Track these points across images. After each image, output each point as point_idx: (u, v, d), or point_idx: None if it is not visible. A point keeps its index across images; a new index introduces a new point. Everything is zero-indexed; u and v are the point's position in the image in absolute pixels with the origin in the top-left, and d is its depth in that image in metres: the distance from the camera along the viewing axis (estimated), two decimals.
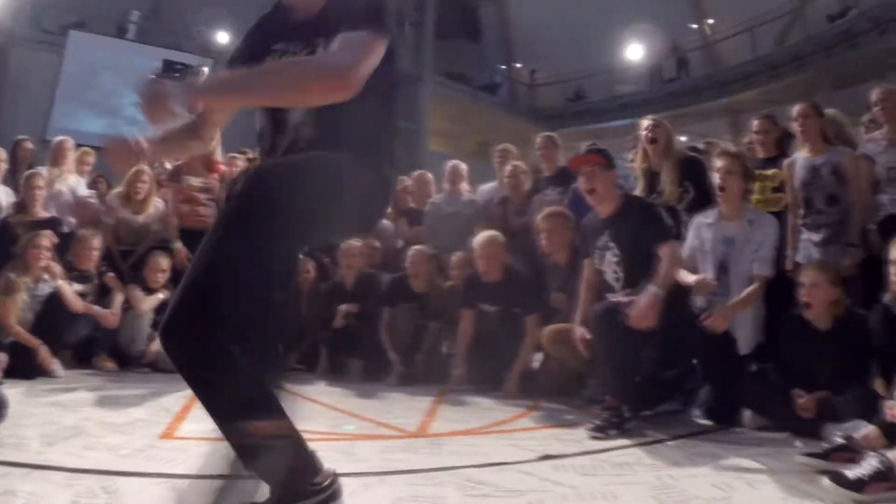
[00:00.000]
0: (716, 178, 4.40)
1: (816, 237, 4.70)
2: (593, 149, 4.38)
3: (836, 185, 4.69)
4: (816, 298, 3.85)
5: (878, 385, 3.62)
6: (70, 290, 5.49)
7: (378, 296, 5.84)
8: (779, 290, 4.28)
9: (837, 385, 3.61)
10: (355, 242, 6.03)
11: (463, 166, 6.91)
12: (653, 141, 5.03)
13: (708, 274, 4.31)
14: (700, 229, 4.46)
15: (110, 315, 5.59)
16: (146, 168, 6.45)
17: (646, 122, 5.14)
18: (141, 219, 6.34)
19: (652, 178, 5.07)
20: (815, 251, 4.63)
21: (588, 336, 4.15)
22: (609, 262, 4.25)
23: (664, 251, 3.99)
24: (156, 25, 19.47)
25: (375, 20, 1.94)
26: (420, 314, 5.75)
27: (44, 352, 5.07)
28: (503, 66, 25.77)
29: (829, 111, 5.36)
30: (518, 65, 25.41)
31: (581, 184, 4.33)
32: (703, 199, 4.74)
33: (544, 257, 5.37)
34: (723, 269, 4.32)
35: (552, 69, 22.92)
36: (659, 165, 5.01)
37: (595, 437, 3.60)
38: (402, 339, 5.68)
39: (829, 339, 3.80)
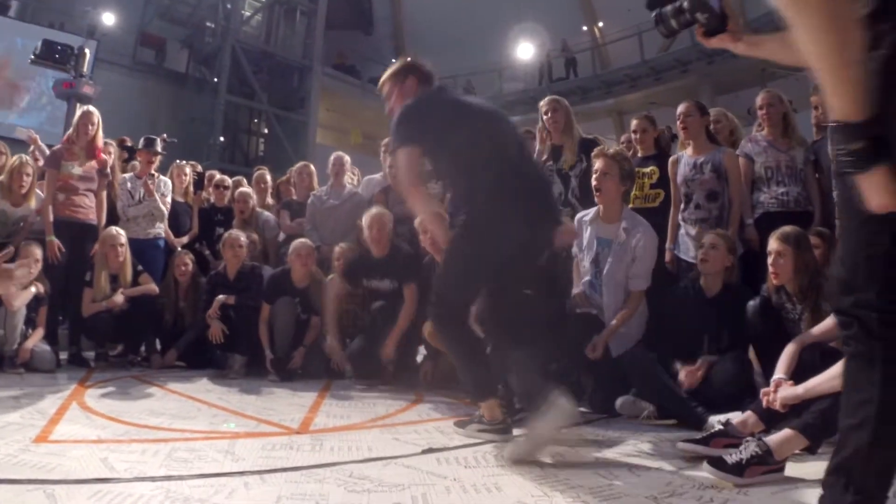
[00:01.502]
0: (593, 180, 4.42)
1: (694, 231, 4.85)
2: None
3: (716, 182, 4.86)
4: (714, 260, 4.06)
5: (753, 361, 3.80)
6: None
7: (258, 291, 5.75)
8: (659, 283, 4.46)
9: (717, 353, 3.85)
10: (240, 234, 5.90)
11: (346, 158, 6.85)
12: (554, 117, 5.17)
13: (586, 268, 4.48)
14: (581, 226, 4.55)
15: None
16: (31, 160, 6.13)
17: (545, 102, 5.29)
18: (19, 211, 6.00)
19: (553, 151, 5.22)
20: (693, 245, 4.75)
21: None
22: None
23: None
24: (39, 4, 18.65)
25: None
26: (302, 309, 5.70)
27: None
28: (394, 60, 25.83)
29: (723, 111, 5.62)
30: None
31: None
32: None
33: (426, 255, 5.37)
34: (598, 266, 4.43)
35: (442, 65, 23.04)
36: (559, 140, 5.16)
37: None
38: (283, 334, 5.60)
39: (714, 305, 4.01)
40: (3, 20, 17.90)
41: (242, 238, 5.91)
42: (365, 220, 5.37)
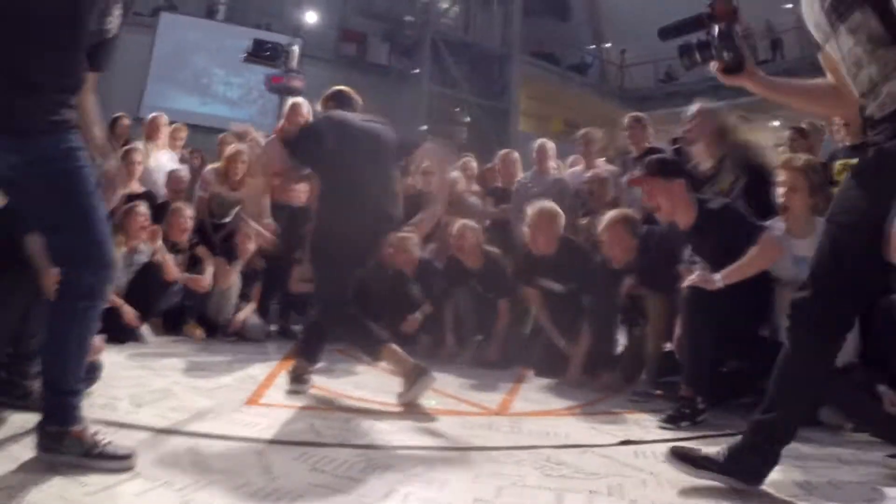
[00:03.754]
0: (778, 195, 3.97)
1: None
2: (648, 164, 4.04)
3: None
4: None
5: None
6: (170, 258, 5.70)
7: (437, 283, 5.76)
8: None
9: None
10: (411, 234, 5.51)
11: (550, 145, 6.85)
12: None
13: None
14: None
15: (203, 279, 5.83)
16: (245, 149, 6.61)
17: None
18: (235, 195, 6.49)
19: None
20: None
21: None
22: None
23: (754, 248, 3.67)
24: (245, 6, 19.93)
25: None
26: (483, 288, 5.54)
27: (129, 312, 5.25)
28: (592, 46, 25.45)
29: None
30: (607, 45, 25.02)
31: (644, 202, 4.10)
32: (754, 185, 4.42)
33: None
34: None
35: (643, 49, 22.34)
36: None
37: (664, 428, 3.48)
38: (467, 320, 5.62)
39: None
40: (212, 23, 19.36)
41: (412, 239, 5.67)
42: (528, 214, 5.04)
